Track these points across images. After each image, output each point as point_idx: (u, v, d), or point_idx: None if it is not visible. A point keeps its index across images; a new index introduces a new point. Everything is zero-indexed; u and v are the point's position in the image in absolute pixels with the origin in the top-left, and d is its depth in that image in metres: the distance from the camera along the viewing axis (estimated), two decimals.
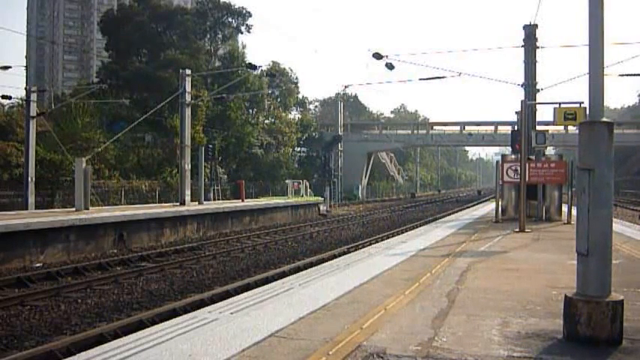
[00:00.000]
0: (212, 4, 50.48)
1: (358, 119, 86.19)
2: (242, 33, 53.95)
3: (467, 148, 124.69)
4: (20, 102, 37.64)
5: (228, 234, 23.25)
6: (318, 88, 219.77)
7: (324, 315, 5.49)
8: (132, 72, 44.11)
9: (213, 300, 9.47)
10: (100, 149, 30.43)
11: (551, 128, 30.83)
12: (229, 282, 12.28)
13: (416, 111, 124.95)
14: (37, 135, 25.28)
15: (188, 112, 26.34)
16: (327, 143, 61.23)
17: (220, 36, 52.14)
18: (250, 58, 53.20)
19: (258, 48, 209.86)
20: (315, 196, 40.48)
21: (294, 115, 65.72)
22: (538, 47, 19.77)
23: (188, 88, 26.20)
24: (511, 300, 6.17)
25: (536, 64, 19.75)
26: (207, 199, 31.64)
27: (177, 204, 25.55)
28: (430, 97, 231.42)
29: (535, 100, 19.31)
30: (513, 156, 18.70)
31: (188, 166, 26.19)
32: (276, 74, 54.45)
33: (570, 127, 31.06)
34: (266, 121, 55.96)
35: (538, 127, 19.66)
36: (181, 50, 45.48)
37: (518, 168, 15.67)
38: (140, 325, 7.79)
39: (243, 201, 30.69)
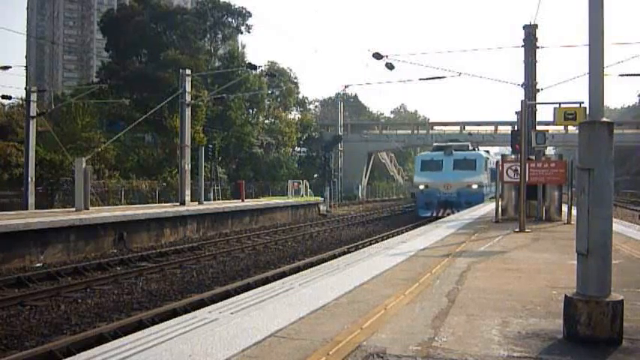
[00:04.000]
0: (212, 4, 50.53)
1: (358, 119, 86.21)
2: (242, 33, 54.09)
3: None
4: (20, 102, 37.68)
5: (228, 234, 23.25)
6: (318, 88, 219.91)
7: (324, 315, 5.49)
8: (132, 72, 44.15)
9: (213, 300, 9.46)
10: (100, 149, 30.47)
11: (551, 128, 30.76)
12: (229, 282, 12.29)
13: (416, 111, 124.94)
14: (37, 135, 25.31)
15: (188, 112, 26.34)
16: (327, 143, 61.27)
17: (220, 36, 52.20)
18: (250, 58, 53.33)
19: (258, 48, 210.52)
20: (315, 196, 40.49)
21: (294, 115, 65.81)
22: (538, 47, 19.73)
23: (188, 88, 26.20)
24: (511, 300, 6.16)
25: (536, 64, 19.73)
26: (207, 199, 31.64)
27: (177, 204, 25.55)
28: (430, 97, 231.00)
29: (535, 100, 19.28)
30: (513, 156, 18.69)
31: (188, 166, 26.19)
32: (276, 74, 54.50)
33: (570, 127, 31.06)
34: (266, 121, 56.00)
35: (538, 127, 19.62)
36: (181, 50, 45.49)
37: (518, 168, 15.66)
38: (140, 325, 7.79)
39: (243, 201, 30.69)
